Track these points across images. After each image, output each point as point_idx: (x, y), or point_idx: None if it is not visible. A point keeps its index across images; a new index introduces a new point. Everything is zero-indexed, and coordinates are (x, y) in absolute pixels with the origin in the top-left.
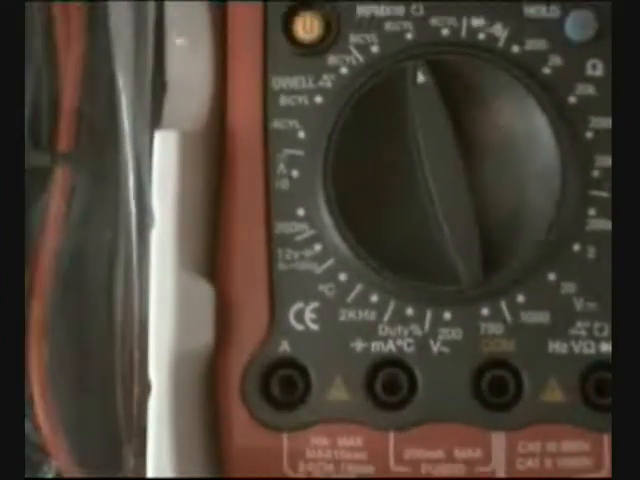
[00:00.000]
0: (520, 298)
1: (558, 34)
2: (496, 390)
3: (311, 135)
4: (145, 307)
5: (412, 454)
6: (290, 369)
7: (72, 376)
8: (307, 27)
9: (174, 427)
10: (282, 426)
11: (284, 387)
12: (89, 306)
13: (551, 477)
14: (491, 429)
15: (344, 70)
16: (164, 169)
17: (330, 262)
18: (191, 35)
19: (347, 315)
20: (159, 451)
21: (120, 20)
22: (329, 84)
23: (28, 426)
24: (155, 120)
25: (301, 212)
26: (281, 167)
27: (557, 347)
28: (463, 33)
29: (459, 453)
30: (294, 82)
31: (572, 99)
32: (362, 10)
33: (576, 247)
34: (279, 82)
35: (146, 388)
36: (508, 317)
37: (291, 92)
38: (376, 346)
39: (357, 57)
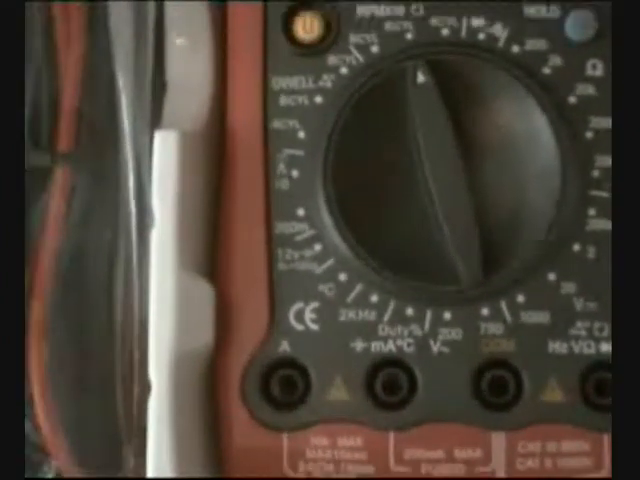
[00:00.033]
0: (520, 298)
1: (558, 34)
2: (496, 390)
3: (311, 135)
4: (145, 307)
5: (412, 454)
6: (290, 369)
7: (72, 376)
8: (307, 27)
9: (174, 427)
10: (282, 426)
11: (284, 387)
12: (89, 306)
13: (551, 477)
14: (491, 429)
15: (344, 70)
16: (164, 169)
17: (330, 262)
18: (191, 35)
19: (347, 315)
20: (159, 451)
21: (120, 20)
22: (329, 84)
23: (28, 426)
24: (155, 120)
25: (301, 212)
26: (281, 167)
27: (557, 347)
28: (463, 33)
29: (459, 453)
30: (294, 82)
31: (572, 99)
32: (362, 10)
33: (576, 247)
34: (279, 82)
35: (146, 388)
36: (508, 317)
37: (291, 92)
38: (376, 346)
39: (357, 57)
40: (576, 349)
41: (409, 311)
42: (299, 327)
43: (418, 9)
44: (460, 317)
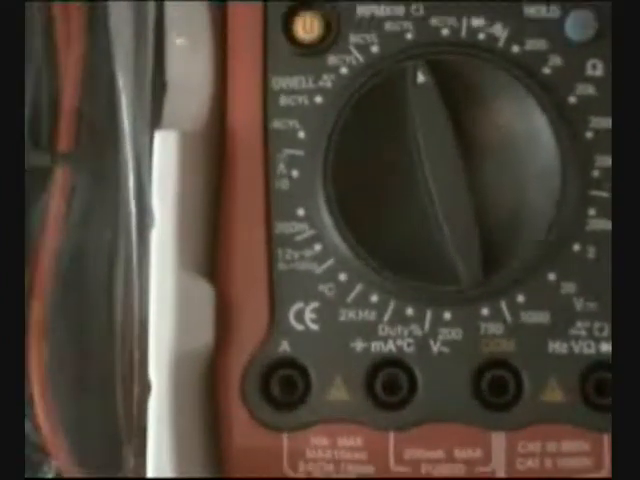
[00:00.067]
0: (520, 298)
1: (558, 34)
2: (496, 390)
3: (311, 135)
4: (145, 307)
5: (412, 454)
6: (290, 369)
7: (72, 376)
8: (307, 27)
9: (174, 427)
10: (282, 426)
11: (284, 387)
12: (89, 306)
13: (551, 477)
14: (491, 429)
15: (344, 70)
16: (164, 169)
17: (330, 262)
18: (191, 35)
19: (347, 315)
20: (159, 451)
21: (120, 20)
22: (329, 84)
23: (28, 426)
24: (155, 120)
25: (301, 212)
26: (281, 167)
27: (557, 347)
28: (463, 33)
29: (459, 453)
30: (294, 82)
31: (572, 99)
32: (362, 10)
33: (576, 247)
34: (279, 82)
35: (146, 388)
36: (508, 317)
37: (291, 92)
38: (376, 346)
39: (357, 57)
40: (576, 349)
41: (409, 311)
42: (299, 327)
43: (418, 9)
44: (460, 317)
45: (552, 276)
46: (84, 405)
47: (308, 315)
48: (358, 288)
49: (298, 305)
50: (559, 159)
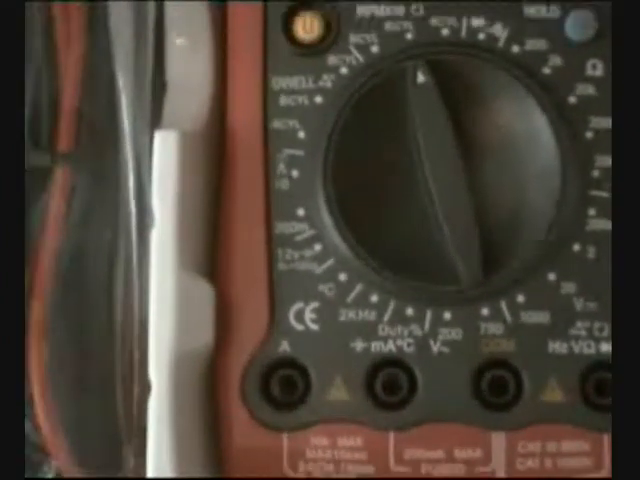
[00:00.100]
0: (520, 298)
1: (558, 34)
2: (496, 390)
3: (311, 135)
4: (145, 307)
5: (412, 454)
6: (290, 369)
7: (72, 376)
8: (307, 27)
9: (174, 427)
10: (282, 426)
11: (284, 387)
12: (89, 306)
13: (551, 477)
14: (491, 429)
15: (344, 70)
16: (164, 169)
17: (330, 262)
18: (191, 35)
19: (347, 315)
20: (159, 451)
21: (120, 20)
22: (329, 84)
23: (28, 426)
24: (155, 120)
25: (301, 212)
26: (281, 167)
27: (557, 347)
28: (463, 33)
29: (459, 453)
30: (294, 82)
31: (572, 99)
32: (362, 10)
33: (576, 247)
34: (279, 82)
35: (146, 388)
36: (508, 317)
37: (291, 92)
38: (376, 346)
39: (357, 57)
40: (576, 349)
41: (409, 311)
42: (299, 327)
43: (418, 9)
44: (460, 317)
45: (552, 276)
46: (84, 405)
47: (308, 315)
48: (358, 288)
49: (298, 305)
50: (559, 159)
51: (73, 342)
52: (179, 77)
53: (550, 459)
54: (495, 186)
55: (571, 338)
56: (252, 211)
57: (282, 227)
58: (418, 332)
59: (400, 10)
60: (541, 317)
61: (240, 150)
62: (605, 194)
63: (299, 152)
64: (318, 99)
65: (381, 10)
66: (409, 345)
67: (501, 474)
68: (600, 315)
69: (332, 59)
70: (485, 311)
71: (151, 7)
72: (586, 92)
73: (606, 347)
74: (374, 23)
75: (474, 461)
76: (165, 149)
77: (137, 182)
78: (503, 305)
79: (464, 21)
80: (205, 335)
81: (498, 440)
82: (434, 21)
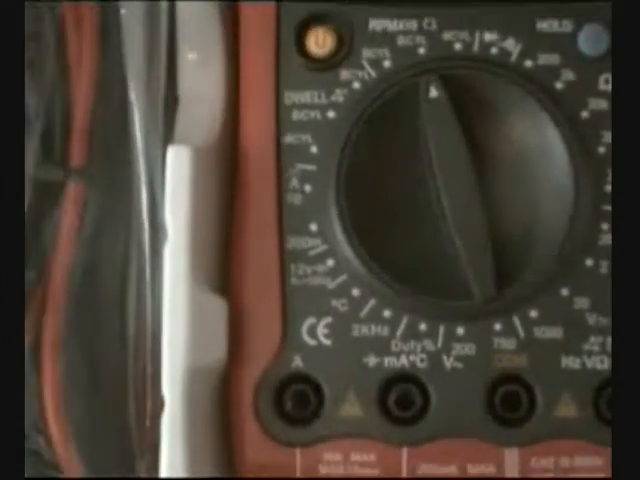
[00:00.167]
0: (533, 313)
1: (571, 48)
2: (509, 405)
3: (323, 150)
4: (158, 322)
5: (425, 469)
6: (303, 384)
7: (85, 391)
8: (320, 42)
9: (187, 442)
10: (295, 441)
11: (297, 402)
12: (102, 321)
13: None
14: (504, 444)
15: (356, 85)
16: (177, 184)
17: (343, 277)
18: (203, 50)
19: (360, 330)
20: (172, 466)
21: (132, 35)
22: (341, 99)
23: (41, 442)
24: (167, 135)
25: (314, 227)
26: (294, 182)
27: (570, 362)
28: (476, 47)
29: (472, 469)
30: (306, 97)
31: (585, 114)
32: (375, 24)
33: (589, 262)
34: (291, 97)
35: (159, 403)
36: (521, 332)
37: (303, 107)
38: (389, 361)
39: (369, 72)
40: (589, 364)
41: (422, 326)
42: (312, 342)
43: (431, 24)
44: (473, 332)
45: (565, 291)
46: (97, 420)
47: (321, 330)
48: (371, 303)
49: (311, 320)
50: (572, 174)
51: (86, 357)
52: (191, 92)
53: (563, 474)
54: (508, 201)
55: (584, 353)
56: (264, 226)
57: (295, 242)
58: (431, 347)
59: (413, 25)
60: (554, 332)
61: (252, 165)
62: None
63: (311, 167)
64: (330, 114)
65: (394, 25)
66: (422, 360)
67: None
68: None
69: (345, 74)
70: (498, 326)
71: (163, 22)
72: (599, 107)
73: None
74: (387, 38)
75: (487, 476)
76: (178, 164)
77: (149, 197)
78: (516, 320)
79: (477, 36)
80: (218, 350)
81: (511, 456)
82: (447, 36)
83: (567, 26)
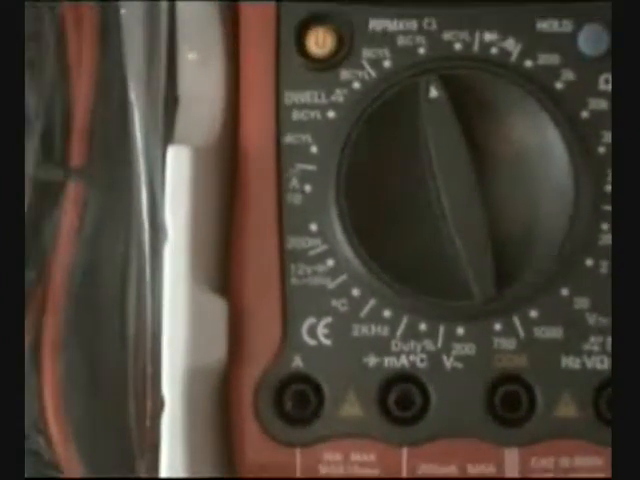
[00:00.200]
0: (533, 313)
1: (571, 48)
2: (509, 405)
3: (323, 150)
4: (158, 322)
5: (425, 469)
6: (303, 384)
7: (85, 391)
8: (320, 42)
9: (187, 442)
10: (295, 441)
11: (297, 402)
12: (102, 321)
13: None
14: (504, 445)
15: (356, 85)
16: (177, 184)
17: (343, 277)
18: (203, 50)
19: (360, 330)
20: (172, 466)
21: (132, 35)
22: (341, 99)
23: (41, 442)
24: (167, 135)
25: (314, 227)
26: (294, 182)
27: (570, 362)
28: (476, 47)
29: (472, 469)
30: (306, 97)
31: (585, 114)
32: (375, 25)
33: (589, 262)
34: (291, 97)
35: (159, 403)
36: (521, 332)
37: (303, 107)
38: (389, 361)
39: (369, 72)
40: (589, 364)
41: (422, 326)
42: (312, 342)
43: (431, 24)
44: (473, 332)
45: (565, 291)
46: (97, 420)
47: (321, 330)
48: (371, 303)
49: (311, 320)
50: (572, 174)
51: (86, 357)
52: (191, 92)
53: (563, 474)
54: (508, 201)
55: (584, 353)
56: (264, 226)
57: (295, 242)
58: (431, 347)
59: (413, 25)
60: (554, 332)
61: (252, 165)
62: None
63: (311, 167)
64: (330, 114)
65: (394, 25)
66: (422, 360)
67: None
68: None
69: (344, 74)
70: (498, 326)
71: (163, 22)
72: (599, 107)
73: None
74: (387, 38)
75: (487, 476)
76: (178, 164)
77: (149, 197)
78: (516, 320)
79: (477, 36)
80: (218, 350)
81: (511, 456)
82: (447, 36)
83: (567, 26)
